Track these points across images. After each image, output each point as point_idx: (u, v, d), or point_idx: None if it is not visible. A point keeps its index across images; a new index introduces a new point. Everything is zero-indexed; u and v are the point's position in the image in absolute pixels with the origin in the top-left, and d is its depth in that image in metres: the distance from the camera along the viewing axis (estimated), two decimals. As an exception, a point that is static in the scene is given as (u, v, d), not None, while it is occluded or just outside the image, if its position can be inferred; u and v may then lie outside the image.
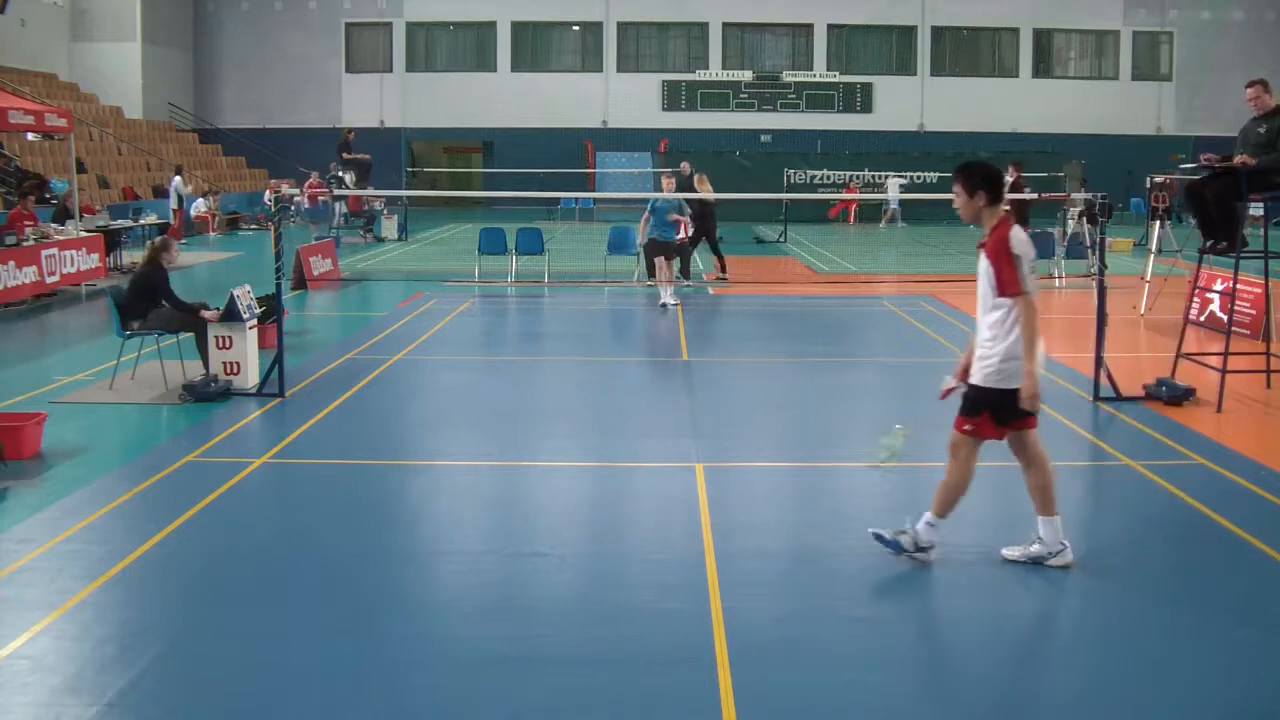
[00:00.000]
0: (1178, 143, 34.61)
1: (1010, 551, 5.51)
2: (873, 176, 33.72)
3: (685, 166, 20.78)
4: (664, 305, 14.27)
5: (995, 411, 5.30)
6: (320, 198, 24.02)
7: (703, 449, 7.61)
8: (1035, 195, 17.90)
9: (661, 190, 15.01)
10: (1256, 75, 9.18)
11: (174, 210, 25.35)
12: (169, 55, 36.09)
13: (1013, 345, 5.16)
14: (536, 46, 38.90)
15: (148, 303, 9.46)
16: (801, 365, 10.96)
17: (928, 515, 5.48)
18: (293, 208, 24.51)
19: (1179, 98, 38.34)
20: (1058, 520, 5.39)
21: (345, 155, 25.54)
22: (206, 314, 9.41)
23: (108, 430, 8.19)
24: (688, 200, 15.47)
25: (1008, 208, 5.42)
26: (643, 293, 16.13)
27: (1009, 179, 18.66)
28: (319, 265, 17.45)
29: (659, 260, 14.51)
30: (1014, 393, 5.20)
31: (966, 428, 5.39)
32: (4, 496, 6.51)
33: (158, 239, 10.01)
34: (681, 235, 17.03)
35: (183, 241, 25.03)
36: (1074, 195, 17.45)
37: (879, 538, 5.54)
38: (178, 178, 25.95)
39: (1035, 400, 5.15)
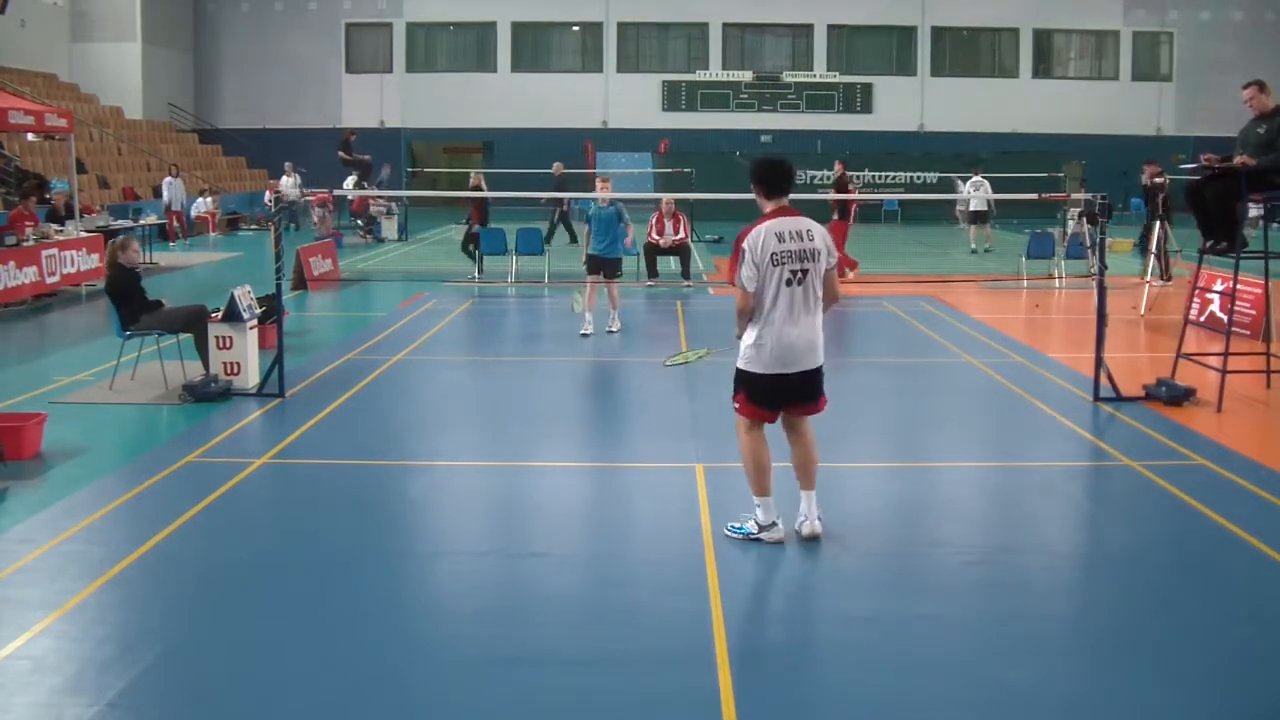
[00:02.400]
0: (1178, 143, 34.61)
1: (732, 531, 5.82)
2: (873, 176, 33.72)
3: (558, 167, 21.66)
4: (609, 329, 12.21)
5: (748, 391, 5.62)
6: (319, 201, 24.04)
7: (703, 449, 7.61)
8: (857, 194, 18.16)
9: (596, 193, 12.55)
10: (1257, 75, 9.17)
11: (169, 213, 25.33)
12: (169, 55, 36.10)
13: (754, 331, 5.55)
14: (537, 47, 38.92)
15: (131, 306, 9.44)
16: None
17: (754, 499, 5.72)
18: (315, 215, 24.75)
19: (1179, 98, 38.35)
20: (770, 501, 5.69)
21: (346, 155, 25.56)
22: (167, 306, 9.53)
23: (108, 430, 8.19)
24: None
25: (782, 204, 5.64)
26: (643, 293, 16.14)
27: (837, 173, 19.08)
28: (319, 265, 17.46)
29: (592, 280, 12.26)
30: (753, 374, 5.58)
31: (734, 405, 5.74)
32: (4, 496, 6.51)
33: (117, 239, 9.98)
34: (680, 237, 17.09)
35: (178, 242, 25.09)
36: (1073, 195, 17.47)
37: (733, 530, 5.79)
38: (169, 178, 25.91)
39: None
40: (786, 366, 5.52)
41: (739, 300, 5.56)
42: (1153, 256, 15.79)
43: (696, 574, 5.33)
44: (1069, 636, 4.83)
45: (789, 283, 5.43)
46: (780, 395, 5.62)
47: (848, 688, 4.25)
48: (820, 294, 5.55)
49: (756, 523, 5.70)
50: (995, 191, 23.51)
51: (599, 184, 12.69)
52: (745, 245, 5.49)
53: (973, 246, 22.85)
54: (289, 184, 25.46)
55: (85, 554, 5.60)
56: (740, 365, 5.63)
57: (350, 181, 24.78)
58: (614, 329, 12.35)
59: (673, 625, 4.81)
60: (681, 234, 17.10)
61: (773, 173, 5.61)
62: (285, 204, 24.49)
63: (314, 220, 24.80)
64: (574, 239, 22.05)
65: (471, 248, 18.07)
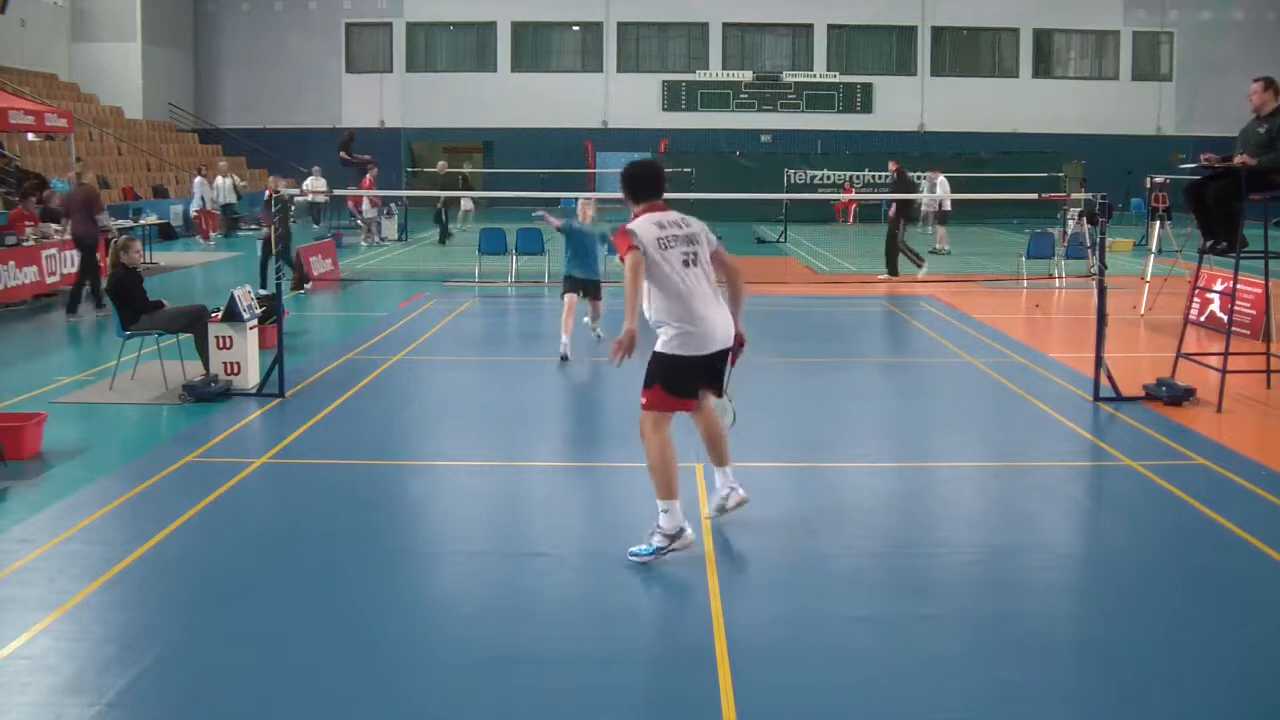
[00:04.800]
0: (1178, 143, 34.60)
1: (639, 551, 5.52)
2: (873, 176, 33.72)
3: (441, 166, 22.08)
4: (564, 357, 10.86)
5: (666, 382, 5.56)
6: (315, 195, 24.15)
7: (702, 449, 7.59)
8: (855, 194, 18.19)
9: (578, 215, 11.94)
10: (1257, 75, 9.16)
11: (199, 212, 25.37)
12: (169, 55, 36.09)
13: (654, 313, 5.53)
14: (537, 47, 38.91)
15: (132, 306, 9.44)
16: (801, 365, 10.96)
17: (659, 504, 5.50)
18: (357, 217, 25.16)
19: (1179, 98, 38.35)
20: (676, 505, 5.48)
21: (346, 156, 25.57)
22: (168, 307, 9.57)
23: (108, 430, 8.20)
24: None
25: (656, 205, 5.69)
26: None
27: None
28: (319, 265, 17.46)
29: (570, 298, 11.26)
30: (681, 359, 5.52)
31: (643, 402, 5.61)
32: (4, 496, 6.51)
33: (119, 239, 10.00)
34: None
35: (214, 237, 25.13)
36: (1073, 195, 17.49)
37: (639, 554, 5.48)
38: (200, 178, 25.93)
39: (621, 349, 5.29)
40: (710, 347, 5.53)
41: (631, 265, 5.34)
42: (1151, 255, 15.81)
43: (696, 574, 5.33)
44: (1069, 636, 4.83)
45: (686, 264, 5.49)
46: (702, 377, 5.64)
47: (847, 688, 4.25)
48: (713, 275, 5.64)
49: (664, 534, 5.43)
50: (995, 192, 23.52)
51: (583, 207, 11.89)
52: (630, 228, 5.53)
53: (946, 248, 22.67)
54: (314, 184, 25.46)
55: (85, 554, 5.60)
56: (667, 351, 5.49)
57: (310, 182, 24.95)
58: (598, 332, 11.81)
59: (673, 625, 4.81)
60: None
61: (635, 182, 5.75)
62: (308, 202, 24.68)
63: (359, 220, 25.15)
64: (443, 239, 24.07)
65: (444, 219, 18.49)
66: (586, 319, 11.91)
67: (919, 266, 18.16)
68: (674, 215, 5.69)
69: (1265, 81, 8.83)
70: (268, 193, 11.96)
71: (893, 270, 18.22)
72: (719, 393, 5.81)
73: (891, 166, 20.19)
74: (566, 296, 11.29)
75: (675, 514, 5.44)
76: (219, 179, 26.09)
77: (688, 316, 5.46)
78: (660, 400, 5.54)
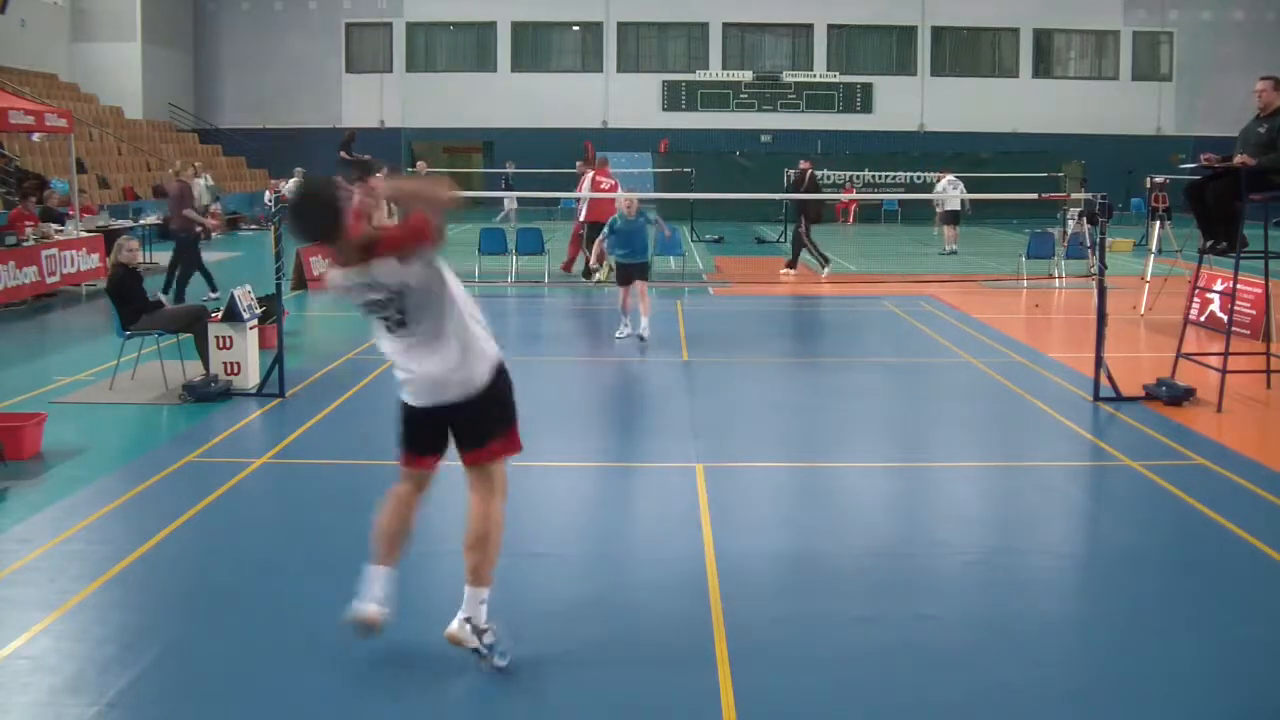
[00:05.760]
0: (1178, 143, 34.62)
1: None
2: (873, 176, 33.72)
3: (421, 166, 22.08)
4: (640, 336, 11.43)
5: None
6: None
7: (703, 449, 7.61)
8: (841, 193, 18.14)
9: (620, 207, 12.05)
10: (1257, 75, 9.16)
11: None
12: (169, 55, 36.08)
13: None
14: (537, 47, 38.90)
15: (131, 306, 9.43)
16: (801, 365, 10.96)
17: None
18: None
19: (1179, 98, 38.35)
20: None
21: (346, 155, 25.53)
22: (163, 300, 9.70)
23: (108, 430, 8.19)
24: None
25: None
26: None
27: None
28: (319, 265, 17.43)
29: (624, 290, 11.91)
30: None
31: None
32: (4, 496, 6.50)
33: (121, 239, 10.02)
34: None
35: (215, 236, 25.07)
36: (1074, 195, 17.48)
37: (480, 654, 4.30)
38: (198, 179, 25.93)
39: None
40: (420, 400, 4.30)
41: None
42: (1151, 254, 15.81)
43: (696, 574, 5.33)
44: (1069, 636, 4.83)
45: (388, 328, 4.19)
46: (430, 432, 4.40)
47: (847, 688, 4.25)
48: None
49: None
50: (995, 192, 23.51)
51: (625, 203, 11.89)
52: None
53: (952, 248, 22.73)
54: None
55: (85, 554, 5.60)
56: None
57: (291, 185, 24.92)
58: (644, 335, 11.46)
59: (673, 625, 4.81)
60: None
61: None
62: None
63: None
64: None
65: None
66: (639, 332, 11.56)
67: (823, 266, 18.21)
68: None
69: (1274, 80, 8.80)
70: (268, 193, 11.96)
71: (793, 265, 18.53)
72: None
73: (801, 165, 20.22)
74: (621, 289, 12.05)
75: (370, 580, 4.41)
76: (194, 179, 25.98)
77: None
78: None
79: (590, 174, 18.09)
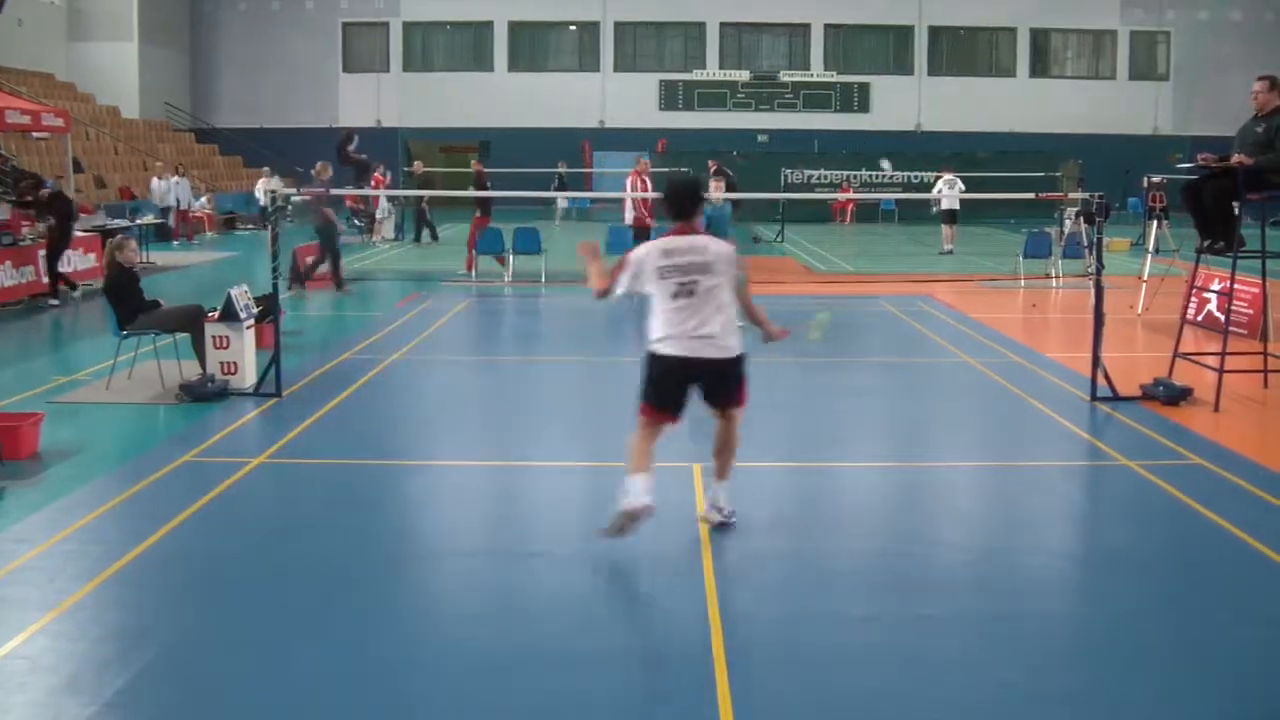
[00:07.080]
0: (1175, 143, 34.65)
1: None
2: (871, 176, 33.74)
3: (417, 166, 23.41)
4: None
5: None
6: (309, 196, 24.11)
7: (701, 449, 7.59)
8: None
9: (710, 195, 12.24)
10: (1254, 75, 9.16)
11: (179, 213, 25.35)
12: (166, 55, 36.05)
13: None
14: (534, 46, 38.92)
15: (128, 306, 9.42)
16: (800, 365, 10.96)
17: None
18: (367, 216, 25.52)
19: (1176, 98, 38.41)
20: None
21: (344, 155, 25.48)
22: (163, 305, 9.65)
23: (105, 430, 8.18)
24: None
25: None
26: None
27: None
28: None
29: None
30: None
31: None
32: (1, 496, 6.49)
33: (114, 238, 9.99)
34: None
35: (180, 241, 25.07)
36: (1071, 195, 17.50)
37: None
38: (176, 178, 25.89)
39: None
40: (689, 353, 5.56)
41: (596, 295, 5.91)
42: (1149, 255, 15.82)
43: (695, 574, 5.33)
44: (1066, 636, 4.83)
45: (676, 296, 5.51)
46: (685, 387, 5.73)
47: (846, 688, 4.25)
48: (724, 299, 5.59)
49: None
50: (992, 191, 23.51)
51: (715, 185, 12.08)
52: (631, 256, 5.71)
53: (949, 248, 22.67)
54: (270, 184, 25.49)
55: (83, 553, 5.59)
56: (648, 350, 5.68)
57: (268, 184, 24.96)
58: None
59: (671, 625, 4.81)
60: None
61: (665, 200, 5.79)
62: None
63: (356, 221, 25.26)
64: (434, 236, 25.07)
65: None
66: None
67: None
68: (689, 241, 5.57)
69: (1270, 80, 8.80)
70: (259, 187, 11.96)
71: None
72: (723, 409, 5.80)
73: (710, 166, 19.69)
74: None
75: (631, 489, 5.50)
76: (175, 179, 25.96)
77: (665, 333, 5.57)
78: (643, 410, 5.69)
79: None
